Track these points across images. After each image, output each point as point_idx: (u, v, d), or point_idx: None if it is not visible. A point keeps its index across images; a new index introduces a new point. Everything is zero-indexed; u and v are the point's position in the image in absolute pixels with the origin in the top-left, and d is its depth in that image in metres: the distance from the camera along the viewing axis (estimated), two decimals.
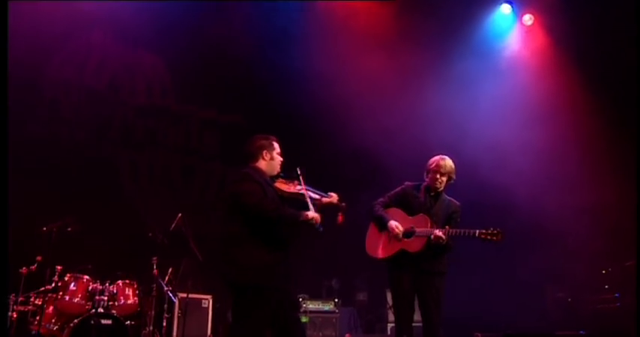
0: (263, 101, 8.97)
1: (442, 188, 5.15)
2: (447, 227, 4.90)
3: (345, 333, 8.27)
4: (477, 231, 4.77)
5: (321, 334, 8.19)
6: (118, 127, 8.59)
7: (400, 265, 5.04)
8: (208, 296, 7.81)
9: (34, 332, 6.24)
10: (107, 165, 8.24)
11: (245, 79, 8.88)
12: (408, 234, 5.03)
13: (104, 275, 6.61)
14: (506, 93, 8.62)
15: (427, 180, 5.16)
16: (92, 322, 6.14)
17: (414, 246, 4.96)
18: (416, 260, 4.99)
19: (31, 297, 6.38)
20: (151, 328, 6.80)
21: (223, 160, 9.23)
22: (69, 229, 6.52)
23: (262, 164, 4.54)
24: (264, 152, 4.56)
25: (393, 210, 5.21)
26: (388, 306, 8.40)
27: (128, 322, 6.45)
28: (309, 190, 4.65)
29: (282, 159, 4.62)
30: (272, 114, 8.98)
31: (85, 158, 8.10)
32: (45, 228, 6.32)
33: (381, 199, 5.31)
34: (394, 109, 8.52)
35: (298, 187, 4.62)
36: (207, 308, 7.76)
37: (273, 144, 4.63)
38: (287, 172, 4.63)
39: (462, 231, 4.85)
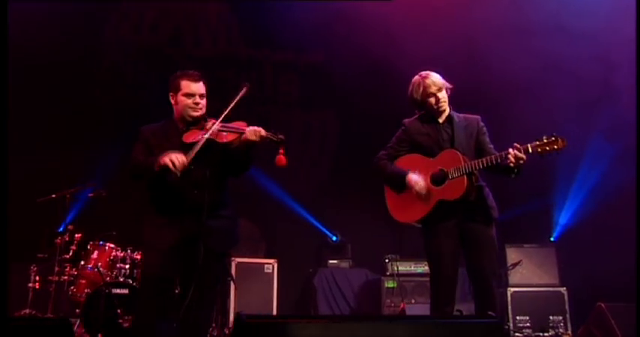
0: (347, 34, 7.61)
1: (447, 107, 3.99)
2: (515, 145, 3.74)
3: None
4: (529, 146, 3.73)
5: (413, 301, 6.68)
6: None
7: (439, 221, 3.92)
8: (272, 261, 6.85)
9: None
10: None
11: (321, 9, 7.56)
12: (439, 180, 3.93)
13: (130, 241, 6.12)
14: None
15: (427, 107, 4.04)
16: (104, 292, 5.69)
17: (454, 191, 3.87)
18: (459, 211, 3.90)
19: (66, 267, 6.17)
20: None
21: (304, 107, 8.07)
22: (90, 195, 6.19)
23: (175, 111, 3.76)
24: (170, 96, 3.72)
25: (409, 158, 4.10)
26: (509, 266, 6.78)
27: None
28: (225, 129, 3.62)
29: (196, 100, 3.66)
30: (360, 48, 7.58)
31: (151, 119, 7.67)
32: (54, 195, 6.01)
33: (384, 152, 4.15)
34: None
35: (208, 126, 3.61)
36: (272, 273, 6.80)
37: (178, 85, 3.69)
38: None
39: (520, 147, 3.74)
